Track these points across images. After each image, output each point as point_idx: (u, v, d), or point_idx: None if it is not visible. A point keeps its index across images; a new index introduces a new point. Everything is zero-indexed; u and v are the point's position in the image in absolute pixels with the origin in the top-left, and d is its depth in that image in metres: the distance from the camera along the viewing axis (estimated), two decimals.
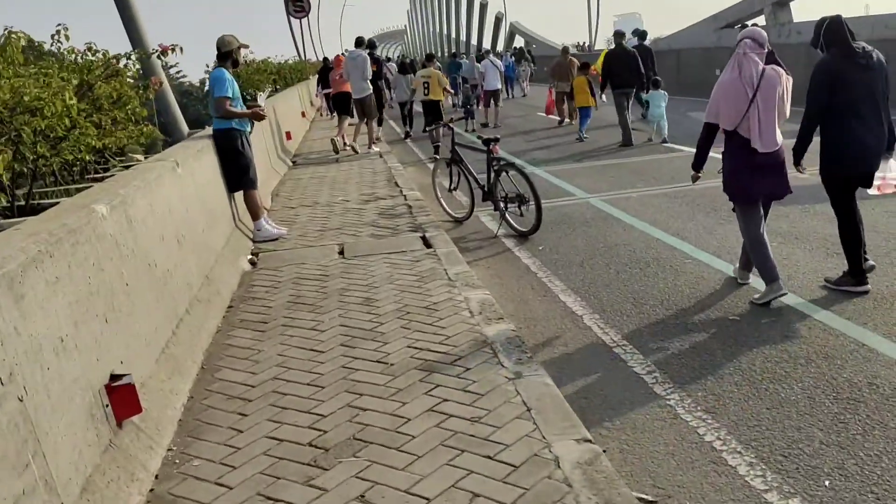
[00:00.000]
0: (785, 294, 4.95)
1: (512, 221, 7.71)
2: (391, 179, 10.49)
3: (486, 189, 7.97)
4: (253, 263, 6.56)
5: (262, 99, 7.13)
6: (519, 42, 49.23)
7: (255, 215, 7.40)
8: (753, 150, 4.78)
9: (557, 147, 14.05)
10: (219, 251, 6.03)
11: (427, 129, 12.06)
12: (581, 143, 14.01)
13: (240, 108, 7.21)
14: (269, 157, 11.50)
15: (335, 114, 15.36)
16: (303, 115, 19.36)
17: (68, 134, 6.69)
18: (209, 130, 7.32)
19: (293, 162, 13.32)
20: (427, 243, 6.78)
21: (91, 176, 7.16)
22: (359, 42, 14.49)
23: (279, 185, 10.62)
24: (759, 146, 4.76)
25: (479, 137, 7.57)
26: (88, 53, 7.70)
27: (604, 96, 14.78)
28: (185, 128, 9.95)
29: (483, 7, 64.84)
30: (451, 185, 8.65)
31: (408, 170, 12.45)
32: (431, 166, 12.92)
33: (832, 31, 4.85)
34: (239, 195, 7.34)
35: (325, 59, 22.71)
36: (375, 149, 13.83)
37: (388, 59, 27.45)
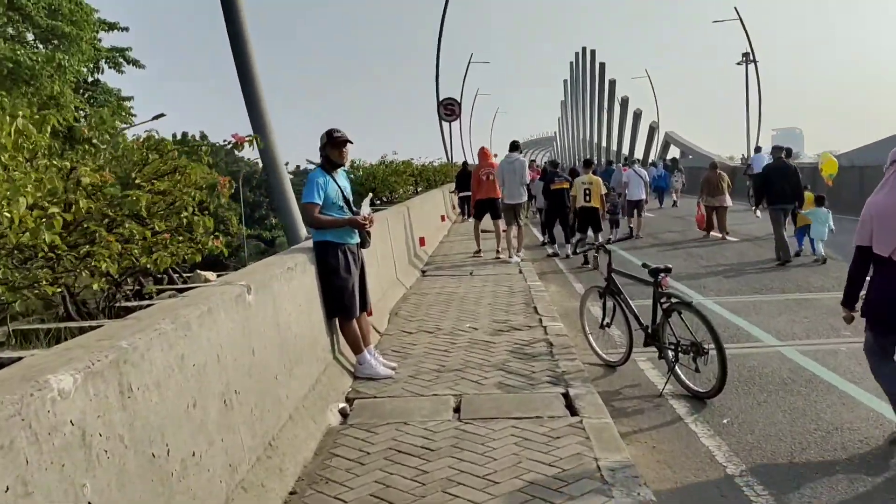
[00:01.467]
0: None
1: (684, 377, 5.90)
2: (529, 303, 8.93)
3: (649, 331, 6.24)
4: (344, 415, 5.12)
5: (365, 206, 5.47)
6: (674, 152, 47.33)
7: (355, 348, 6.03)
8: None
9: (725, 269, 12.09)
10: (299, 401, 4.64)
11: (579, 246, 11.00)
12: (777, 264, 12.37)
13: (340, 215, 5.98)
14: (396, 266, 10.31)
15: (465, 216, 14.15)
16: (442, 218, 18.39)
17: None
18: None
19: (423, 272, 12.10)
20: (571, 407, 5.08)
21: (122, 304, 5.97)
22: (514, 146, 13.83)
23: (401, 301, 9.32)
24: None
25: (645, 266, 5.84)
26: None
27: (758, 212, 14.34)
28: (302, 231, 8.90)
29: (637, 116, 63.72)
30: (603, 319, 6.97)
31: (549, 289, 10.88)
32: (575, 285, 11.39)
33: None
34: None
35: (465, 162, 21.85)
36: (517, 258, 12.95)
37: (533, 161, 26.77)
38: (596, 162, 29.14)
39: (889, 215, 4.41)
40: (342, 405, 5.23)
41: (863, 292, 4.72)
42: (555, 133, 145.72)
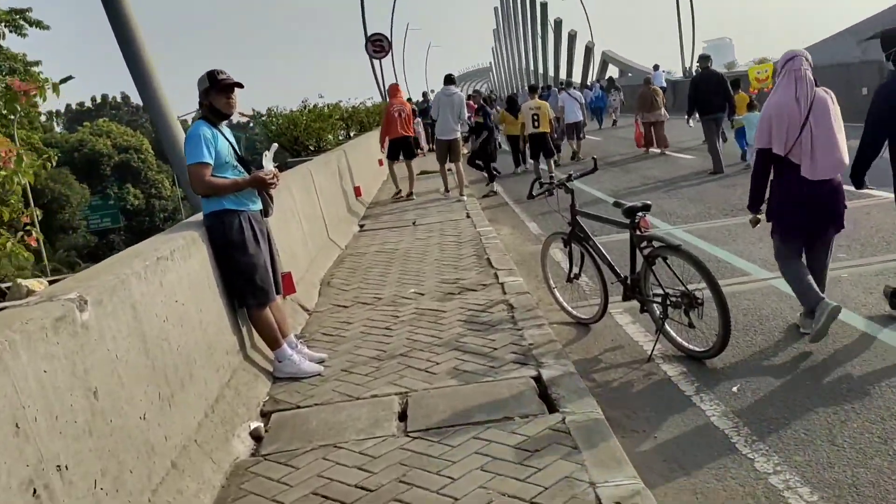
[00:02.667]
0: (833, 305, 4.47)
1: (676, 336, 4.87)
2: (481, 254, 7.79)
3: (628, 282, 5.16)
4: (258, 437, 3.95)
5: (268, 160, 4.04)
6: (613, 72, 46.24)
7: (272, 343, 4.82)
8: (804, 179, 4.49)
9: (680, 188, 11.14)
10: (187, 437, 3.44)
11: (535, 189, 9.85)
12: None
13: (236, 176, 4.69)
14: (327, 225, 9.04)
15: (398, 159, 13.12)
16: (380, 163, 17.01)
17: None
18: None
19: (360, 226, 10.85)
20: (547, 398, 3.99)
21: None
22: (450, 79, 12.83)
23: (335, 267, 8.09)
24: (810, 173, 4.46)
25: (617, 205, 5.03)
26: None
27: (691, 122, 13.92)
28: None
29: (572, 38, 62.18)
30: (571, 271, 5.87)
31: (501, 232, 9.77)
32: (529, 225, 10.28)
33: None
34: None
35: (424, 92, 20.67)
36: (463, 198, 12.23)
37: (469, 97, 26.06)
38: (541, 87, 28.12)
39: (782, 115, 4.42)
40: (255, 425, 4.04)
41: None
42: (490, 63, 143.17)
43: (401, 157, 13.03)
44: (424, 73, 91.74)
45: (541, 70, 78.26)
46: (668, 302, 4.79)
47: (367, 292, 6.81)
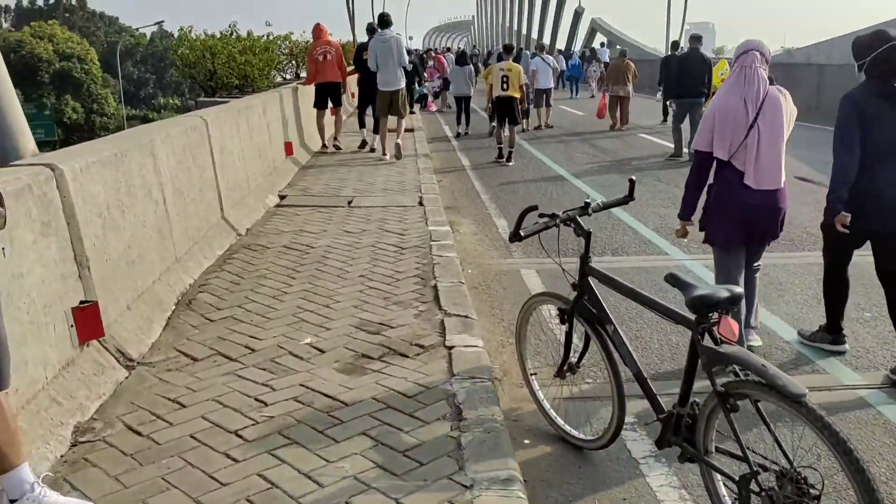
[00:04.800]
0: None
1: None
2: (428, 277, 5.40)
3: (677, 422, 2.82)
4: None
5: None
6: (600, 41, 43.67)
7: None
8: (747, 186, 3.98)
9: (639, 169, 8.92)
10: None
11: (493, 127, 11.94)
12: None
13: None
14: (222, 200, 6.53)
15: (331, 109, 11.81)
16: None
17: None
18: None
19: (281, 197, 8.35)
20: None
21: None
22: (384, 21, 11.08)
23: (217, 267, 5.63)
24: (753, 182, 3.99)
25: (673, 280, 2.79)
26: None
27: (673, 105, 13.00)
28: (21, 143, 5.16)
29: (561, 1, 59.12)
30: (567, 359, 3.49)
31: (460, 230, 7.42)
32: (498, 222, 7.90)
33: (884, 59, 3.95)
34: None
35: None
36: (391, 157, 11.04)
37: (448, 50, 24.70)
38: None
39: (727, 116, 3.99)
40: None
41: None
42: (472, 17, 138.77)
43: (329, 105, 11.71)
44: (405, 19, 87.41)
45: (524, 31, 75.07)
46: (754, 481, 2.50)
47: (241, 329, 4.37)
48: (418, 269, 5.59)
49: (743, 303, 4.15)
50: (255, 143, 8.18)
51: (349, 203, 8.08)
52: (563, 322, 3.34)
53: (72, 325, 3.48)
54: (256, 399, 3.49)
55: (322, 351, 4.06)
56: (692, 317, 2.64)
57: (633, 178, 3.36)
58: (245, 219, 6.95)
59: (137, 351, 3.96)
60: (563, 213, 3.20)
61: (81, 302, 3.59)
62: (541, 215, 3.15)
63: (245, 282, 5.28)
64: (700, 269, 6.14)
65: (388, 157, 11.09)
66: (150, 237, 4.69)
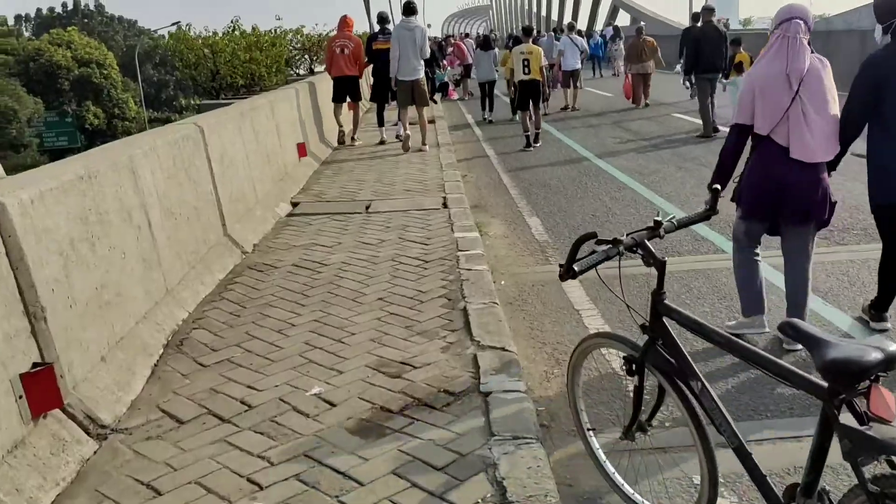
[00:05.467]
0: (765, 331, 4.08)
1: None
2: (456, 297, 4.69)
3: None
4: None
5: None
6: (624, 19, 42.38)
7: None
8: (788, 161, 3.78)
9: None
10: None
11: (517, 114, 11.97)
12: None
13: None
14: (224, 216, 5.88)
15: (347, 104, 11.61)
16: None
17: None
18: None
19: (293, 204, 7.68)
20: None
21: None
22: (410, 9, 10.67)
23: (217, 294, 4.97)
24: (802, 154, 3.76)
25: (787, 328, 2.03)
26: None
27: (687, 82, 12.91)
28: None
29: None
30: (637, 416, 2.73)
31: (490, 233, 6.71)
32: (530, 221, 7.13)
33: None
34: None
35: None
36: (424, 147, 10.72)
37: (467, 35, 24.15)
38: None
39: (770, 86, 3.79)
40: None
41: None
42: (491, 1, 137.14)
43: (347, 100, 11.42)
44: (423, 6, 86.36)
45: (543, 13, 73.59)
46: None
47: (239, 377, 3.70)
48: (444, 288, 4.88)
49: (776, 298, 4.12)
50: (263, 148, 7.52)
51: (367, 208, 7.39)
52: (630, 373, 2.60)
53: (21, 397, 2.83)
54: (249, 480, 2.81)
55: (332, 404, 3.37)
56: (825, 384, 1.90)
57: (718, 186, 2.60)
58: (252, 233, 6.29)
59: (112, 414, 3.30)
60: (627, 235, 2.46)
61: (34, 365, 2.94)
62: (598, 242, 2.40)
63: (247, 312, 4.61)
64: (767, 269, 5.35)
65: (426, 147, 10.74)
66: (132, 270, 4.03)
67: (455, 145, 12.11)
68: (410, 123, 10.87)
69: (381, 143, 11.51)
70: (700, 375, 2.39)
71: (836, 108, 3.87)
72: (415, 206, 7.38)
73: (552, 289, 5.37)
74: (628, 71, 16.81)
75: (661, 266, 2.41)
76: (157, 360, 3.89)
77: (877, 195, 4.08)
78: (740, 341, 2.22)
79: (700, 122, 12.04)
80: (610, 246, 2.41)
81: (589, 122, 14.78)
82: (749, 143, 4.04)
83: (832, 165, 4.04)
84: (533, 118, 11.99)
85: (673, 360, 2.45)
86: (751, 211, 4.10)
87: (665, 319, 2.47)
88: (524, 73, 11.82)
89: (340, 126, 11.55)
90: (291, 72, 12.66)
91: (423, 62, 10.71)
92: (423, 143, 10.81)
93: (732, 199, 4.18)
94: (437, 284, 4.96)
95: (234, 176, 6.34)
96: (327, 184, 8.80)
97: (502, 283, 5.53)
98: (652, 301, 2.48)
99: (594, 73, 27.72)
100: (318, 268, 5.48)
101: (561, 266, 2.40)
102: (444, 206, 7.34)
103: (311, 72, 14.19)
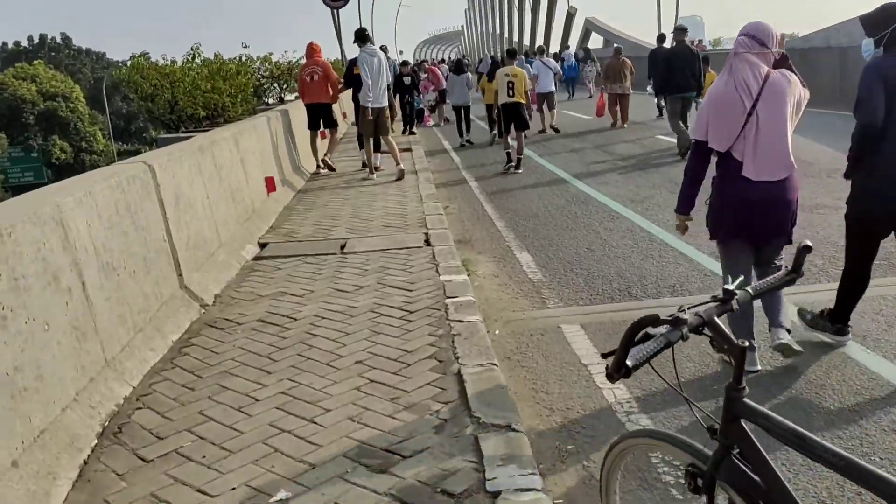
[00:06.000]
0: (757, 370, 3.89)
1: None
2: (448, 358, 4.02)
3: None
4: None
5: None
6: (596, 41, 42.40)
7: None
8: (747, 179, 3.77)
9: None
10: None
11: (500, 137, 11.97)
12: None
13: None
14: (179, 266, 5.19)
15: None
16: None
17: None
18: None
19: (261, 246, 6.99)
20: None
21: None
22: (363, 36, 10.50)
23: (165, 370, 4.26)
24: (753, 173, 3.75)
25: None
26: None
27: (666, 102, 12.74)
28: None
29: (552, 2, 57.86)
30: None
31: (479, 273, 6.09)
32: (522, 260, 6.46)
33: None
34: None
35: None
36: (401, 165, 10.56)
37: (442, 61, 24.01)
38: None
39: (723, 103, 3.78)
40: None
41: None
42: (462, 27, 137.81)
43: (321, 127, 11.09)
44: (394, 33, 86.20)
45: (515, 38, 73.78)
46: None
47: (187, 476, 2.99)
48: (433, 346, 4.23)
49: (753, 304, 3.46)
50: (227, 185, 6.85)
51: (342, 248, 6.74)
52: (697, 491, 1.96)
53: None
54: None
55: None
56: None
57: (808, 243, 1.98)
58: (213, 282, 5.60)
59: None
60: (692, 312, 1.83)
61: None
62: (655, 323, 1.77)
63: (203, 384, 3.92)
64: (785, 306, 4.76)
65: (402, 165, 10.59)
66: (59, 343, 3.34)
67: (434, 174, 11.52)
68: (383, 153, 10.70)
69: (377, 168, 11.19)
70: (797, 499, 1.75)
71: (790, 127, 3.83)
72: (395, 244, 6.74)
73: (552, 338, 4.75)
74: (605, 90, 16.91)
75: (740, 353, 1.78)
76: (89, 456, 3.19)
77: (857, 204, 4.01)
78: (867, 466, 1.59)
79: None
80: (670, 328, 1.78)
81: (570, 145, 14.30)
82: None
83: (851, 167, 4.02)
84: (515, 142, 11.68)
85: (757, 478, 1.82)
86: (729, 238, 4.02)
87: (744, 422, 1.84)
88: (508, 96, 11.58)
89: (315, 154, 11.22)
90: (263, 101, 12.04)
91: (394, 88, 10.59)
92: (398, 164, 10.58)
93: (711, 235, 4.12)
94: (424, 341, 4.30)
95: (193, 219, 5.66)
96: (299, 221, 8.14)
97: (497, 332, 4.89)
98: (727, 398, 1.84)
99: (569, 96, 27.71)
100: (287, 323, 4.80)
101: (606, 358, 1.77)
102: (427, 243, 6.72)
103: (282, 101, 13.58)
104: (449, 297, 5.07)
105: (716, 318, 1.83)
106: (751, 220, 3.90)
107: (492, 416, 3.32)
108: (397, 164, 10.51)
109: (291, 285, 5.69)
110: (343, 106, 15.03)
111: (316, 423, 3.39)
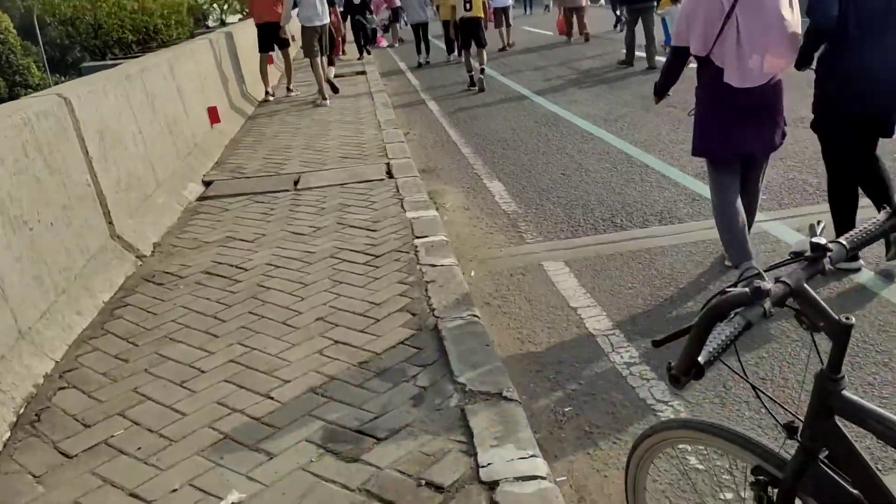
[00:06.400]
0: (757, 273, 3.49)
1: None
2: (415, 285, 3.52)
3: None
4: None
5: None
6: None
7: None
8: (730, 86, 3.56)
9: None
10: None
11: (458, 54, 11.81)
12: None
13: None
14: (109, 211, 4.55)
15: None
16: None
17: None
18: None
19: (206, 184, 6.34)
20: None
21: None
22: None
23: (94, 338, 3.69)
24: (735, 80, 3.53)
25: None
26: None
27: (624, 12, 12.55)
28: None
29: None
30: None
31: (446, 205, 5.56)
32: (493, 188, 5.93)
33: None
34: None
35: None
36: (327, 103, 9.87)
37: None
38: None
39: (697, 8, 3.57)
40: None
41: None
42: None
43: (275, 48, 10.33)
44: None
45: None
46: None
47: (118, 476, 2.48)
48: (405, 296, 3.72)
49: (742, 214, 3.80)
50: (161, 116, 6.12)
51: (295, 184, 6.12)
52: (767, 502, 1.50)
53: None
54: None
55: None
56: None
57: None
58: (151, 229, 4.97)
59: None
60: (768, 271, 1.34)
61: None
62: (723, 293, 1.27)
63: (139, 353, 3.37)
64: (783, 229, 4.34)
65: (327, 101, 9.96)
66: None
67: (391, 97, 10.81)
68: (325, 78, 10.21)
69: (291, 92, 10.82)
70: None
71: (789, 20, 3.52)
72: (354, 177, 6.15)
73: (535, 278, 4.28)
74: (559, 5, 16.29)
75: (842, 333, 1.29)
76: (0, 453, 2.65)
77: (824, 106, 3.77)
78: None
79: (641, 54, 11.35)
80: (744, 307, 1.27)
81: (533, 62, 13.61)
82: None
83: (802, 65, 3.75)
84: (476, 58, 11.08)
85: (856, 491, 1.36)
86: (717, 153, 3.85)
87: (837, 419, 1.37)
88: (465, 10, 10.94)
89: (265, 78, 10.51)
90: (203, 24, 11.08)
91: (327, 6, 10.12)
92: (289, 88, 10.62)
93: (699, 152, 3.94)
94: (394, 291, 3.79)
95: (123, 157, 4.98)
96: (247, 154, 7.45)
97: (472, 273, 4.40)
98: (819, 389, 1.36)
99: (525, 10, 26.95)
100: (237, 274, 4.24)
101: (657, 347, 1.27)
102: (390, 175, 6.14)
103: (223, 23, 12.57)
104: (418, 237, 4.54)
105: (805, 286, 1.33)
106: (740, 134, 3.72)
107: (479, 381, 2.84)
108: (320, 88, 10.04)
109: (240, 229, 5.10)
110: (291, 28, 14.08)
111: (272, 398, 2.88)
